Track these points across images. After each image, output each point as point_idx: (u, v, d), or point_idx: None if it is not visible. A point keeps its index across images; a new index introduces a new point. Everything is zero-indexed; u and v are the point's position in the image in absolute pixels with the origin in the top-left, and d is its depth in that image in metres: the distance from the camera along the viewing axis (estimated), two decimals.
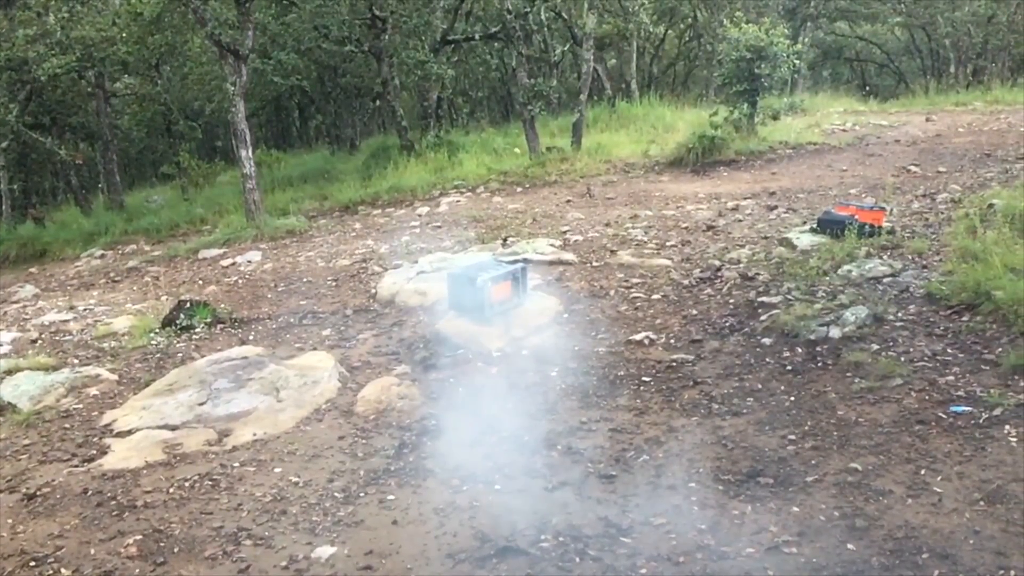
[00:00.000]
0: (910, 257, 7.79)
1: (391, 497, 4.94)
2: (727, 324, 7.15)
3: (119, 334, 8.48)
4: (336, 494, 5.01)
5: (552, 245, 9.86)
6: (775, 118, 15.48)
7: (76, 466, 5.66)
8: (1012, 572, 3.81)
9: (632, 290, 8.18)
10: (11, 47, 14.81)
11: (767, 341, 6.76)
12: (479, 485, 4.98)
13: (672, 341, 6.93)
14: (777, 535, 4.26)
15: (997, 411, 5.23)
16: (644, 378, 6.31)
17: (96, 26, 15.77)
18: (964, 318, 6.46)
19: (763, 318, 7.19)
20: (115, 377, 7.27)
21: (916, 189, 10.74)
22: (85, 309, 9.80)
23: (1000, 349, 5.87)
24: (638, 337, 7.05)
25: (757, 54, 14.18)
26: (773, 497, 4.61)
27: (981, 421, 5.15)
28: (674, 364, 6.50)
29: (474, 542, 4.41)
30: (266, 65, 16.68)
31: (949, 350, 6.06)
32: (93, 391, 7.00)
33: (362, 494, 5.00)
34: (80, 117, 18.32)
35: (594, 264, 9.19)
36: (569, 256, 9.44)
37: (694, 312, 7.48)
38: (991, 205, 8.45)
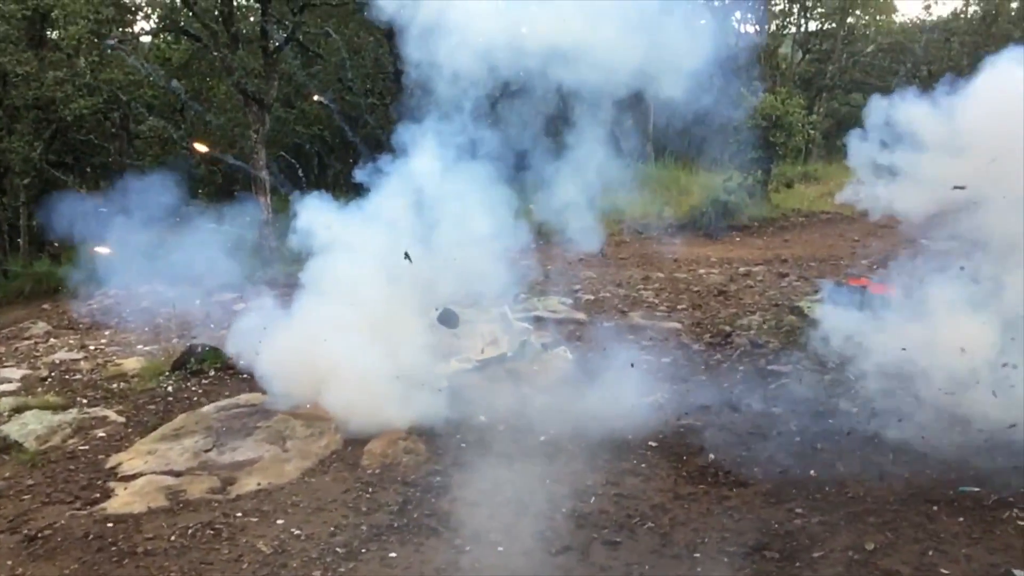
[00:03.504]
0: (921, 330, 7.76)
1: (393, 555, 4.90)
2: (736, 391, 7.14)
3: (129, 375, 8.50)
4: (338, 549, 4.98)
5: (563, 303, 9.90)
6: (789, 186, 15.62)
7: (79, 509, 5.64)
8: None
9: (642, 352, 8.18)
10: (40, 87, 15.12)
11: (776, 411, 6.74)
12: (482, 546, 4.94)
13: (681, 406, 6.90)
14: None
15: (1006, 492, 5.19)
16: (651, 443, 6.28)
17: (124, 69, 16.12)
18: None
19: (772, 387, 7.19)
20: (123, 419, 7.28)
21: (928, 262, 10.75)
22: (96, 348, 9.85)
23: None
24: (647, 400, 7.03)
25: (772, 122, 14.36)
26: (779, 572, 4.56)
27: (989, 503, 5.11)
28: (682, 429, 6.48)
29: None
30: (289, 114, 16.97)
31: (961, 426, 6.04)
32: (100, 433, 7.01)
33: (364, 550, 4.96)
34: (102, 157, 18.61)
35: (605, 324, 9.22)
36: (580, 315, 9.47)
37: (703, 378, 7.47)
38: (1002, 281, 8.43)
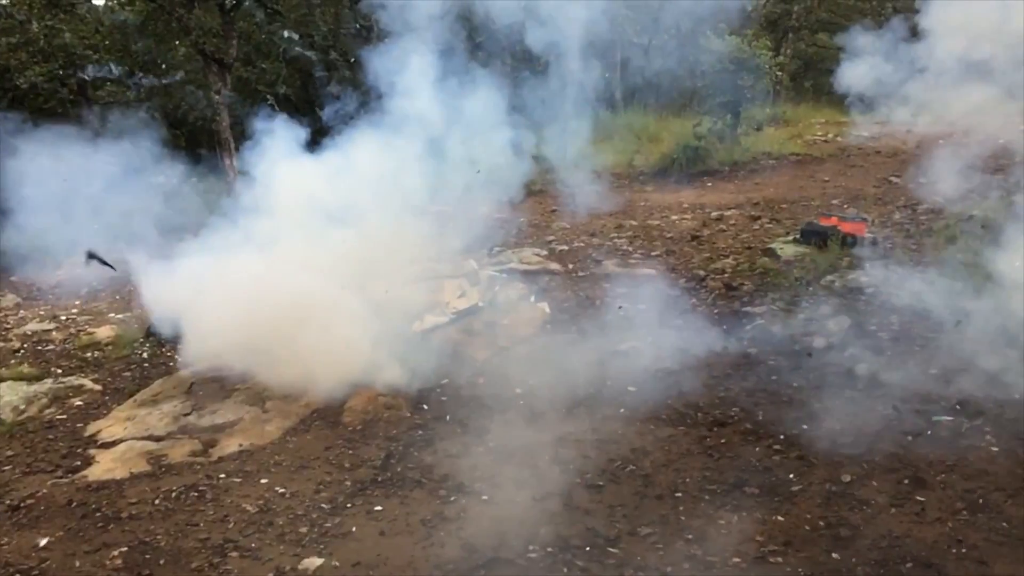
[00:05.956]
0: (891, 267, 7.87)
1: (378, 508, 4.93)
2: (712, 334, 7.20)
3: (102, 344, 8.42)
4: (323, 505, 5.00)
5: (538, 255, 9.89)
6: (758, 129, 15.56)
7: (60, 477, 5.61)
8: None
9: (617, 300, 8.22)
10: None
11: (752, 351, 6.83)
12: (466, 496, 4.99)
13: (658, 351, 6.95)
14: (763, 544, 4.30)
15: (978, 420, 5.31)
16: (630, 388, 6.33)
17: (79, 34, 15.71)
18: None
19: (748, 328, 7.26)
20: (99, 387, 7.22)
21: (897, 200, 10.86)
22: (67, 318, 9.73)
23: None
24: (624, 347, 7.08)
25: (740, 65, 14.28)
26: (759, 507, 4.65)
27: (963, 430, 5.23)
28: (660, 374, 6.53)
29: (462, 553, 4.41)
30: (251, 74, 16.66)
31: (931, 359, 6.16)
32: (77, 401, 6.95)
33: (349, 505, 4.99)
34: (62, 125, 18.19)
35: (580, 274, 9.24)
36: (555, 266, 9.47)
37: (679, 322, 7.52)
38: (971, 216, 8.56)
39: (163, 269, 7.40)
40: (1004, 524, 4.29)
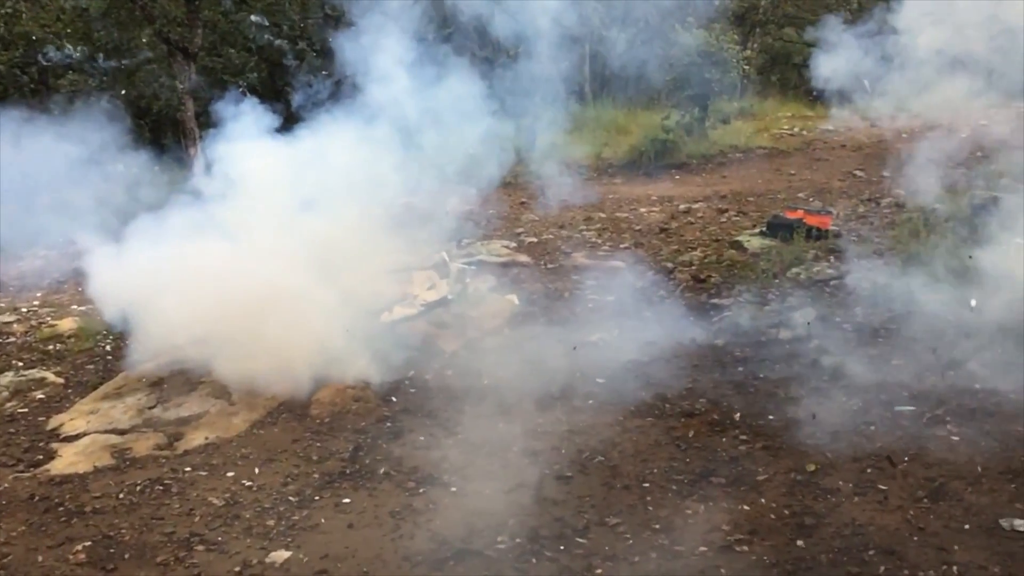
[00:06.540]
0: (855, 260, 7.98)
1: (346, 500, 4.92)
2: (680, 325, 7.25)
3: (65, 336, 8.29)
4: (291, 498, 4.97)
5: (507, 247, 9.90)
6: (725, 122, 15.67)
7: (22, 472, 5.53)
8: (955, 568, 3.93)
9: (586, 292, 8.25)
10: None
11: (719, 342, 6.88)
12: (435, 487, 4.99)
13: (626, 342, 6.99)
14: (729, 534, 4.34)
15: (939, 410, 5.40)
16: (599, 379, 6.36)
17: (40, 21, 15.43)
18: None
19: (715, 319, 7.32)
20: (61, 381, 7.11)
21: (861, 193, 11.00)
22: (28, 311, 9.57)
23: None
24: (593, 338, 7.11)
25: (707, 59, 14.35)
26: (725, 496, 4.69)
27: (924, 420, 5.31)
28: (629, 365, 6.56)
29: (431, 544, 4.41)
30: (216, 63, 16.47)
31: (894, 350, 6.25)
32: (39, 395, 6.84)
33: (317, 497, 4.97)
34: (24, 114, 17.87)
35: (548, 266, 9.26)
36: (524, 258, 9.48)
37: (648, 314, 7.56)
38: (933, 210, 8.70)
39: (114, 256, 7.23)
40: (964, 511, 4.36)
